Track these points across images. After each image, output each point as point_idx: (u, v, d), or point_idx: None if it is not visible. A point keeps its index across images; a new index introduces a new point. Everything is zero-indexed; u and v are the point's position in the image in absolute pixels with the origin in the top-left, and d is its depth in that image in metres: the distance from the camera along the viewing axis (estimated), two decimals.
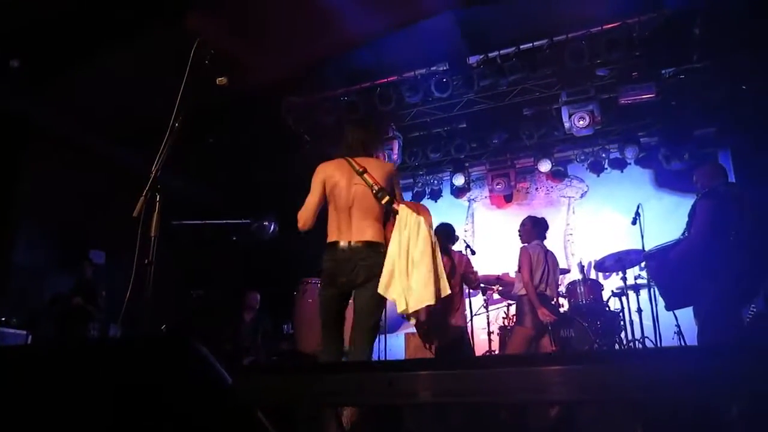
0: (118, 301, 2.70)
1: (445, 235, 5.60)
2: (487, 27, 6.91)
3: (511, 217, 8.66)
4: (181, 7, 5.75)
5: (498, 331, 6.68)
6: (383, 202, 3.35)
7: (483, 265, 6.93)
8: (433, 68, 7.59)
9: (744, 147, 7.53)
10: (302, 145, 8.68)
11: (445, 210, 9.35)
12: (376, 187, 3.35)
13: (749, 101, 7.01)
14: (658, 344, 5.93)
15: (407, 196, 9.70)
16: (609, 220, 8.28)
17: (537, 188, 9.06)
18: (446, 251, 5.44)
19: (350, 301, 3.45)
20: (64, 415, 1.59)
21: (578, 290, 6.41)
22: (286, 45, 6.79)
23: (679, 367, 1.37)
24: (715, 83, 7.08)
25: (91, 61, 6.37)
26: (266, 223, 7.41)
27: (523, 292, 5.43)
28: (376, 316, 3.44)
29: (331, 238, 3.37)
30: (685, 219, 4.36)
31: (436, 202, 9.57)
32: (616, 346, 5.99)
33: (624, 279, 6.41)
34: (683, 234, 4.36)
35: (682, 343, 5.86)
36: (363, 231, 3.33)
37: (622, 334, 6.18)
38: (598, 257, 6.79)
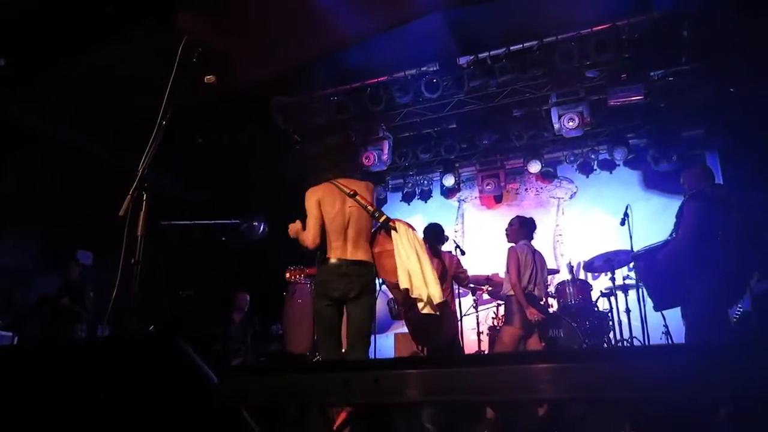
0: (106, 302, 2.67)
1: (434, 235, 5.60)
2: (478, 28, 6.92)
3: (501, 218, 8.67)
4: (171, 5, 5.71)
5: (488, 331, 6.69)
6: (381, 220, 3.72)
7: (473, 266, 6.93)
8: (423, 69, 7.60)
9: (732, 149, 7.59)
10: (292, 145, 8.66)
11: (435, 210, 9.37)
12: (370, 208, 3.71)
13: (737, 103, 7.06)
14: (647, 344, 5.95)
15: (397, 196, 9.72)
16: (598, 221, 8.32)
17: (526, 189, 9.08)
18: (436, 253, 5.44)
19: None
20: (50, 414, 1.58)
21: (567, 290, 6.44)
22: (275, 44, 6.77)
23: (667, 366, 1.36)
24: (704, 85, 7.13)
25: (78, 60, 6.31)
26: (255, 224, 7.37)
27: (511, 292, 5.44)
28: (370, 327, 3.79)
29: (327, 256, 3.66)
30: (673, 220, 4.39)
31: (426, 202, 9.58)
32: (605, 346, 6.02)
33: (613, 279, 6.44)
34: (671, 235, 4.38)
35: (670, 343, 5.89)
36: (357, 250, 3.67)
37: (611, 334, 6.21)
38: (587, 258, 6.82)
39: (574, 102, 7.52)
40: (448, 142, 8.86)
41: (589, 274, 7.44)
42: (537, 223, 6.02)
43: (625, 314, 6.38)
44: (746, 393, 1.28)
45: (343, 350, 3.79)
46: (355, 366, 1.59)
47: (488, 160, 9.02)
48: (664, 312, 5.25)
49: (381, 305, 6.76)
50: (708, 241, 4.01)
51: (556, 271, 7.25)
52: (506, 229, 5.90)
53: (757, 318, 5.57)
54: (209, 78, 3.03)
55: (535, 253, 5.58)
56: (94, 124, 7.27)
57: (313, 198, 3.72)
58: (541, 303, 5.67)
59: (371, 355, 6.99)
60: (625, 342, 6.16)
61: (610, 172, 8.60)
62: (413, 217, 9.51)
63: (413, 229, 3.81)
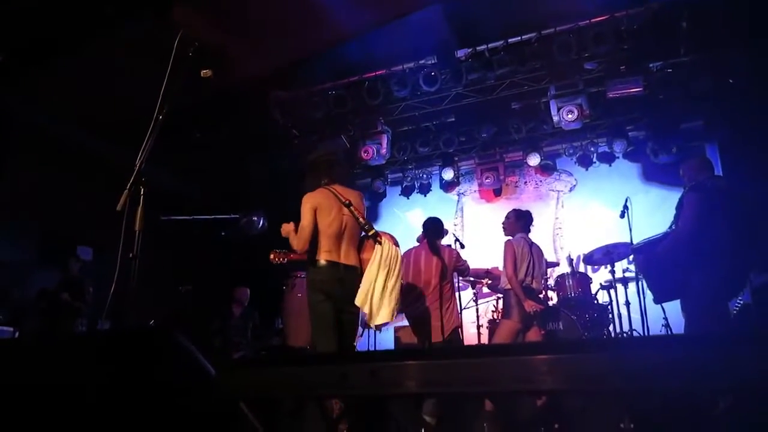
0: (106, 297, 2.68)
1: (433, 230, 5.59)
2: (475, 20, 6.89)
3: (501, 211, 8.63)
4: None
5: (487, 325, 6.70)
6: (370, 234, 3.97)
7: (472, 259, 6.91)
8: (422, 62, 7.57)
9: (731, 140, 7.58)
10: (290, 139, 8.65)
11: (434, 204, 9.36)
12: (362, 221, 3.97)
13: (736, 95, 7.05)
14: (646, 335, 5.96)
15: (396, 190, 9.71)
16: (597, 214, 8.32)
17: (526, 182, 9.07)
18: (435, 249, 5.43)
19: None
20: (50, 407, 1.58)
21: (567, 283, 6.45)
22: (273, 38, 6.74)
23: (666, 357, 1.36)
24: (703, 77, 7.10)
25: (76, 55, 6.30)
26: (255, 218, 7.37)
27: (508, 285, 5.44)
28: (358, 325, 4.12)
29: (323, 258, 3.86)
30: (673, 212, 4.38)
31: (425, 196, 9.57)
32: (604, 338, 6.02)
33: (612, 272, 6.44)
34: (670, 227, 4.37)
35: None
36: (349, 255, 3.95)
37: (611, 327, 6.22)
38: (587, 251, 6.82)
39: (572, 94, 7.50)
40: (447, 135, 8.86)
41: (589, 267, 7.44)
42: (536, 216, 6.02)
43: (624, 307, 6.38)
44: (745, 385, 1.28)
45: None
46: (352, 358, 1.59)
47: (487, 154, 9.01)
48: (663, 304, 5.26)
49: None
50: (708, 233, 4.00)
51: (555, 264, 7.26)
52: (503, 223, 5.90)
53: (756, 310, 5.58)
54: (206, 72, 3.03)
55: (532, 245, 5.56)
56: (93, 119, 7.24)
57: (308, 204, 3.90)
58: (540, 296, 5.67)
59: (371, 349, 7.02)
60: (624, 335, 6.17)
61: (610, 165, 8.59)
62: (412, 211, 9.52)
63: (397, 245, 4.06)
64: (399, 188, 9.69)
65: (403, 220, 9.60)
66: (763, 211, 4.22)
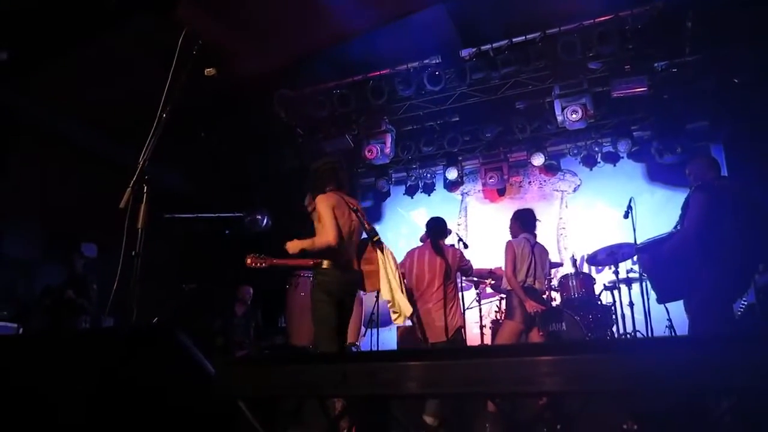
0: (110, 294, 2.69)
1: (437, 229, 5.59)
2: (480, 20, 6.88)
3: (504, 211, 8.66)
4: None
5: (490, 325, 6.70)
6: (375, 239, 4.12)
7: (476, 259, 6.90)
8: (426, 61, 7.56)
9: (736, 140, 7.54)
10: (295, 138, 8.66)
11: (438, 204, 9.36)
12: (368, 227, 4.13)
13: (741, 94, 7.02)
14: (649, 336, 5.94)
15: (401, 189, 9.71)
16: (602, 214, 8.29)
17: (530, 182, 9.05)
18: (438, 249, 5.43)
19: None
20: (52, 402, 1.58)
21: (570, 284, 6.42)
22: (277, 37, 6.75)
23: (668, 358, 1.36)
24: (708, 76, 7.07)
25: (79, 52, 6.31)
26: (259, 217, 7.39)
27: (509, 286, 5.44)
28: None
29: (336, 261, 3.92)
30: (677, 213, 4.36)
31: (429, 195, 9.57)
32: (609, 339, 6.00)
33: (616, 273, 6.42)
34: (675, 227, 4.35)
35: None
36: (355, 259, 4.11)
37: (614, 328, 6.20)
38: (591, 251, 6.80)
39: (577, 94, 7.47)
40: (451, 135, 8.84)
41: (593, 268, 7.42)
42: (540, 216, 5.99)
43: (628, 307, 6.36)
44: (748, 385, 1.27)
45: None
46: (352, 358, 1.58)
47: (491, 153, 8.99)
48: (667, 305, 5.24)
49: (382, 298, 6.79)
50: (713, 233, 3.98)
51: (559, 265, 7.24)
52: (509, 225, 5.90)
53: (761, 309, 5.56)
54: (209, 71, 3.03)
55: (535, 246, 5.54)
56: (97, 117, 7.27)
57: (326, 203, 3.94)
58: (543, 296, 5.65)
59: (374, 348, 7.03)
60: (628, 335, 6.15)
61: (614, 165, 8.56)
62: (416, 210, 9.51)
63: (392, 253, 4.28)
64: (403, 188, 9.69)
65: (407, 219, 9.60)
66: (765, 212, 4.19)
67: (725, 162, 7.48)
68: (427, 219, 5.75)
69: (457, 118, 8.75)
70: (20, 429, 1.60)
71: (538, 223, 5.85)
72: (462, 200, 9.43)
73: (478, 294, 6.92)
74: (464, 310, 6.18)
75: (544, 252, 5.66)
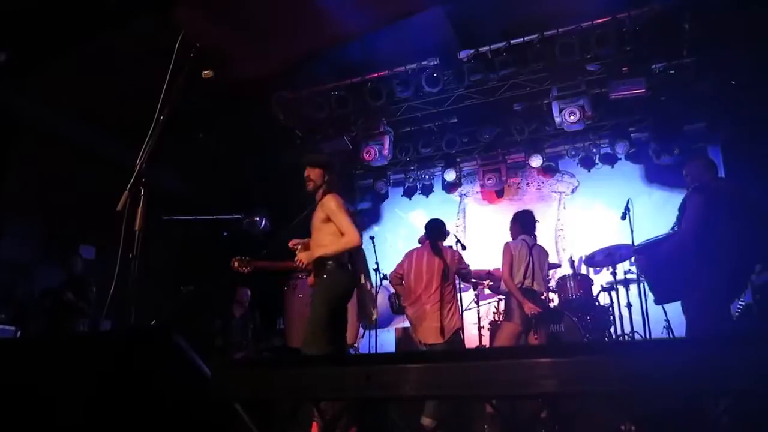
0: (108, 297, 2.69)
1: (435, 231, 5.59)
2: (478, 21, 6.89)
3: (502, 213, 8.67)
4: None
5: (489, 326, 6.69)
6: None
7: (474, 261, 6.91)
8: (424, 63, 7.57)
9: (734, 142, 7.56)
10: (293, 140, 8.66)
11: (436, 205, 9.35)
12: None
13: (739, 96, 7.03)
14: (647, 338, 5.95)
15: (399, 191, 9.71)
16: (599, 215, 8.30)
17: (528, 183, 9.06)
18: (437, 250, 5.43)
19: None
20: (49, 405, 1.58)
21: (568, 285, 6.44)
22: (275, 39, 6.75)
23: (666, 359, 1.36)
24: (705, 78, 7.09)
25: (78, 53, 6.31)
26: (257, 219, 7.40)
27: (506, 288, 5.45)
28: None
29: (343, 262, 3.85)
30: (675, 214, 4.37)
31: (427, 197, 9.57)
32: (606, 341, 6.01)
33: (614, 274, 6.43)
34: (673, 228, 4.36)
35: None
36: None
37: (612, 329, 6.20)
38: (589, 252, 6.80)
39: (575, 96, 7.48)
40: (449, 136, 8.85)
41: (591, 269, 7.42)
42: (538, 217, 6.00)
43: (626, 308, 6.38)
44: (746, 386, 1.28)
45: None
46: (349, 360, 1.59)
47: (489, 155, 8.99)
48: (665, 306, 5.24)
49: (382, 300, 6.80)
50: (711, 234, 3.99)
51: (557, 266, 7.24)
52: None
53: (758, 309, 5.57)
54: (207, 73, 3.03)
55: (533, 247, 5.55)
56: (97, 118, 7.26)
57: (341, 202, 3.88)
58: (542, 298, 5.65)
59: (372, 350, 7.03)
60: (626, 337, 6.16)
61: (612, 166, 8.57)
62: (414, 211, 9.51)
63: None
64: (401, 189, 9.69)
65: (405, 221, 9.60)
66: (764, 213, 4.20)
67: (723, 163, 7.50)
68: (426, 220, 5.76)
69: (455, 120, 8.76)
70: None
71: (536, 224, 5.87)
72: (460, 202, 9.43)
73: (476, 295, 6.92)
74: (462, 312, 6.19)
75: (543, 253, 5.66)
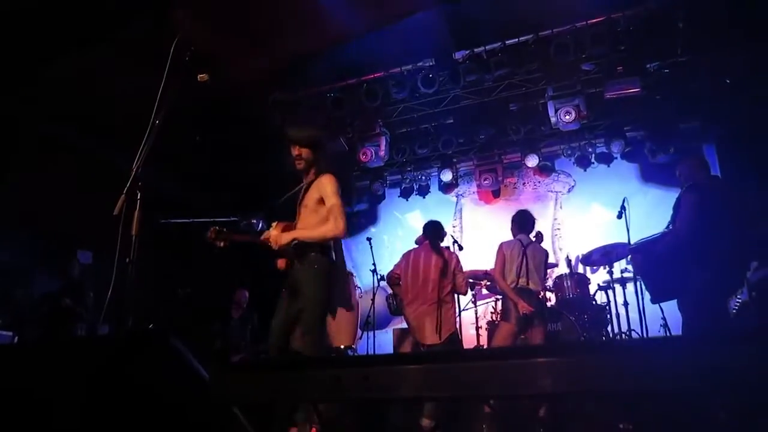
0: (105, 301, 2.68)
1: (434, 232, 5.62)
2: (473, 22, 6.90)
3: (499, 213, 8.69)
4: (166, 2, 5.70)
5: (486, 326, 6.71)
6: None
7: (471, 261, 6.94)
8: (420, 64, 7.58)
9: (729, 140, 7.58)
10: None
11: (433, 206, 9.37)
12: None
13: (733, 95, 7.06)
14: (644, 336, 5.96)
15: (395, 192, 9.72)
16: (596, 215, 8.32)
17: (524, 183, 9.08)
18: (437, 249, 5.45)
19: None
20: (46, 408, 1.59)
21: (565, 284, 6.45)
22: (271, 41, 6.75)
23: (665, 358, 1.37)
24: (699, 77, 7.11)
25: (74, 58, 6.30)
26: (254, 221, 7.37)
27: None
28: None
29: (336, 257, 3.61)
30: (671, 212, 4.38)
31: (424, 198, 9.57)
32: (603, 339, 6.03)
33: (610, 273, 6.44)
34: (667, 227, 4.38)
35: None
36: None
37: (609, 327, 6.22)
38: (585, 251, 6.82)
39: (570, 95, 7.50)
40: (446, 137, 8.85)
41: (588, 268, 7.44)
42: (535, 217, 6.01)
43: (623, 307, 6.38)
44: (742, 383, 1.29)
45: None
46: (347, 362, 1.59)
47: (485, 155, 9.01)
48: (662, 304, 5.26)
49: (380, 301, 6.80)
50: (705, 232, 4.01)
51: (554, 265, 7.26)
52: None
53: (754, 306, 5.59)
54: (202, 76, 3.03)
55: (528, 246, 5.56)
56: (93, 122, 7.25)
57: (338, 187, 3.59)
58: (539, 297, 5.67)
59: (370, 351, 7.03)
60: (623, 335, 6.17)
61: (608, 165, 8.59)
62: (411, 212, 9.53)
63: None
64: (398, 190, 9.69)
65: (402, 221, 9.61)
66: (759, 210, 4.22)
67: (717, 161, 7.53)
68: (423, 221, 5.78)
69: (451, 121, 8.77)
70: None
71: (536, 222, 5.89)
72: (457, 202, 9.44)
73: (474, 295, 6.94)
74: (460, 312, 6.20)
75: (540, 252, 5.67)
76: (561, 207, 8.76)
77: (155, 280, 6.77)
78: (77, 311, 6.85)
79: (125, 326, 2.67)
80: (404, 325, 6.02)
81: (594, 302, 6.46)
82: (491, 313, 6.82)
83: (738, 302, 5.83)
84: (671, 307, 4.64)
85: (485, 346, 6.54)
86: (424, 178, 9.59)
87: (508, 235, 5.85)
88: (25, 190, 7.10)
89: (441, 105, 8.23)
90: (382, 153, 8.31)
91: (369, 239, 7.17)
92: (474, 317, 6.87)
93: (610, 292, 6.43)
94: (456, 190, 9.46)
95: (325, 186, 3.56)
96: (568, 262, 7.13)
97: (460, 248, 6.41)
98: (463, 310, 6.57)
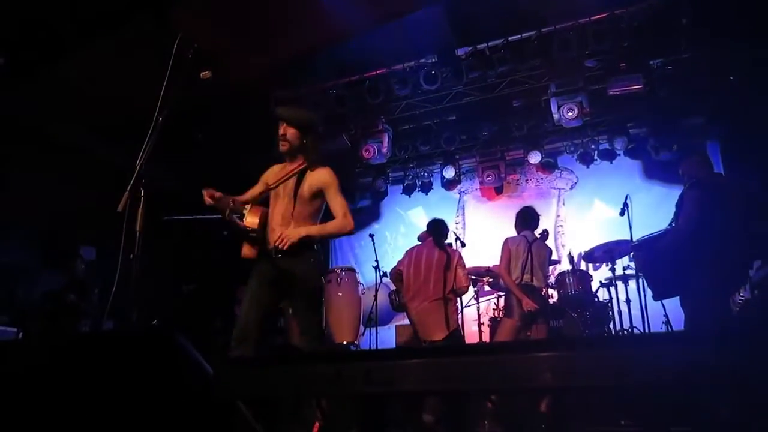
0: (109, 297, 2.70)
1: (438, 230, 5.64)
2: (475, 19, 6.89)
3: (502, 209, 8.69)
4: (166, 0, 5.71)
5: (488, 323, 6.71)
6: None
7: (474, 257, 6.95)
8: (422, 61, 7.58)
9: (732, 137, 7.57)
10: None
11: (436, 203, 9.37)
12: None
13: (737, 91, 7.04)
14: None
15: (398, 188, 9.72)
16: (599, 212, 8.32)
17: (527, 180, 9.07)
18: (441, 245, 5.48)
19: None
20: (51, 403, 1.60)
21: (567, 281, 6.45)
22: (273, 38, 6.76)
23: (667, 354, 1.37)
24: (703, 73, 7.09)
25: (76, 56, 6.31)
26: None
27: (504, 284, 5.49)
28: None
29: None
30: (673, 209, 4.38)
31: (426, 194, 9.57)
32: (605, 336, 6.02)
33: (613, 269, 6.44)
34: (670, 224, 4.38)
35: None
36: None
37: (611, 324, 6.22)
38: (588, 248, 6.82)
39: (573, 92, 7.48)
40: (448, 133, 8.85)
41: (590, 265, 7.44)
42: (538, 213, 6.01)
43: (625, 304, 6.39)
44: (743, 380, 1.29)
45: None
46: (349, 357, 1.60)
47: (488, 152, 8.99)
48: (664, 301, 5.26)
49: (383, 297, 6.82)
50: (708, 229, 4.01)
51: (557, 262, 7.26)
52: None
53: (757, 305, 5.58)
54: (205, 74, 3.05)
55: (533, 243, 5.57)
56: (95, 120, 7.27)
57: (338, 181, 3.51)
58: (543, 294, 5.67)
59: (372, 347, 7.05)
60: (625, 332, 6.17)
61: (611, 162, 8.57)
62: (414, 209, 9.53)
63: None
64: (400, 187, 9.69)
65: (404, 218, 9.61)
66: (762, 208, 4.21)
67: (721, 158, 7.51)
68: (425, 218, 5.81)
69: (454, 117, 8.77)
70: None
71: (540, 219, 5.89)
72: (459, 199, 9.44)
73: (476, 292, 6.94)
74: (462, 308, 6.21)
75: (544, 249, 5.67)
76: (564, 204, 8.75)
77: (159, 276, 6.80)
78: (81, 307, 6.88)
79: (129, 322, 2.69)
80: (407, 322, 6.04)
81: (596, 299, 6.46)
82: (493, 309, 6.83)
83: (741, 299, 5.83)
84: (674, 303, 4.64)
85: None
86: (426, 174, 9.59)
87: (510, 232, 5.85)
88: (28, 188, 7.13)
89: (443, 102, 8.22)
90: (384, 150, 8.31)
91: (371, 236, 7.18)
92: (476, 314, 6.88)
93: (612, 289, 6.43)
94: (458, 186, 9.45)
95: (326, 179, 3.47)
96: (571, 258, 7.13)
97: (463, 245, 6.42)
98: (465, 306, 6.58)
